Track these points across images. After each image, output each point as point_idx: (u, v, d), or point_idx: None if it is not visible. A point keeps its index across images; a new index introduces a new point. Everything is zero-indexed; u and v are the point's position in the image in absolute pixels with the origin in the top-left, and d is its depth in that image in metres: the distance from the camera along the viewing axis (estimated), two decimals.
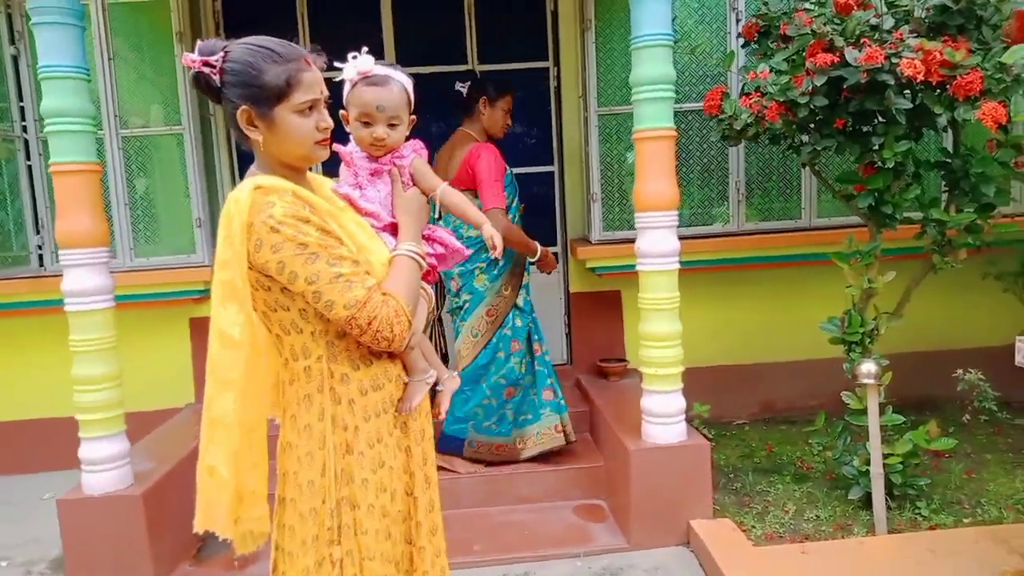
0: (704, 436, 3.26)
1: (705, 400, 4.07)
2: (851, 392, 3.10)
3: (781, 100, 2.48)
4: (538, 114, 4.60)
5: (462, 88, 3.52)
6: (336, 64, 1.64)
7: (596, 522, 3.37)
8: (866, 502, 3.04)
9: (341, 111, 1.68)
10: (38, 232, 4.24)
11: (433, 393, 1.80)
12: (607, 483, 3.50)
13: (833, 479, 3.43)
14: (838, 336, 3.13)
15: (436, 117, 4.22)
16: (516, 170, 4.61)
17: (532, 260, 3.56)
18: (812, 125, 2.63)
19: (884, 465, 2.95)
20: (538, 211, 4.64)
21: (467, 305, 3.52)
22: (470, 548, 3.19)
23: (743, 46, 2.92)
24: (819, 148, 2.63)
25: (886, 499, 3.03)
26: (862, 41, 2.31)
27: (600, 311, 4.28)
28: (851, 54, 2.29)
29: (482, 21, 4.46)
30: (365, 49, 1.63)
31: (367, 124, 1.65)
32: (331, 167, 1.78)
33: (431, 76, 4.32)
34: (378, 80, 1.63)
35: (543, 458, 3.61)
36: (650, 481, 3.07)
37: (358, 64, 1.62)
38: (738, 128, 2.72)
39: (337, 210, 1.59)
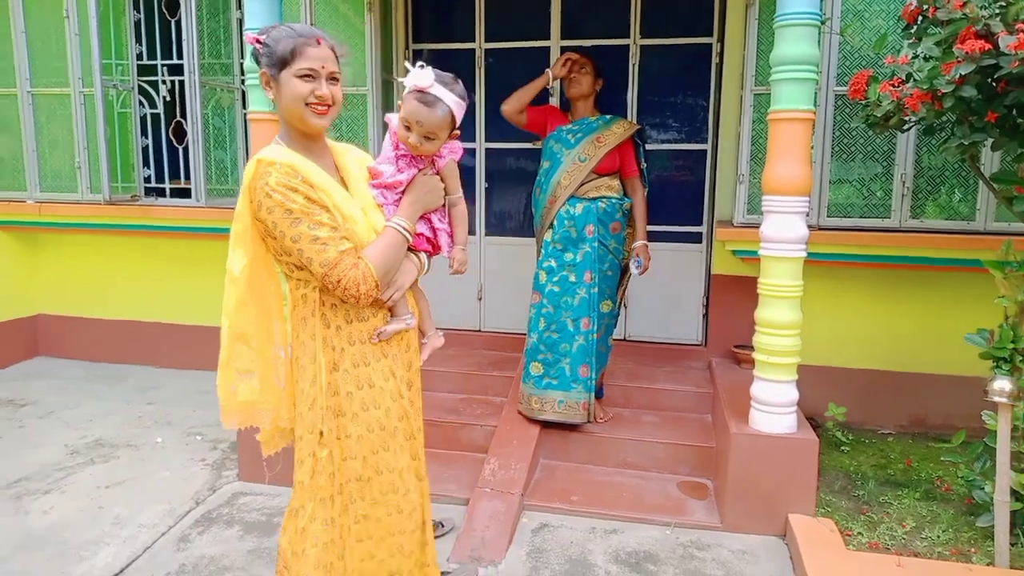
0: (816, 431, 3.16)
1: (849, 404, 3.90)
2: (992, 412, 2.86)
3: (925, 88, 2.32)
4: (698, 91, 4.55)
5: None
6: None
7: (697, 499, 3.41)
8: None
9: (398, 104, 1.88)
10: None
11: None
12: (715, 464, 3.52)
13: (971, 504, 3.18)
14: (986, 351, 2.89)
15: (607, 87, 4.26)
16: (669, 147, 4.63)
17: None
18: (964, 117, 2.42)
19: (1017, 494, 2.71)
20: (687, 188, 4.63)
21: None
22: (568, 497, 3.39)
23: (903, 30, 2.73)
24: (966, 143, 2.41)
25: (1019, 532, 2.79)
26: (1017, 26, 2.10)
27: (740, 296, 4.18)
28: (1004, 40, 2.09)
29: None
30: (428, 68, 1.77)
31: (408, 128, 1.83)
32: None
33: (595, 48, 4.43)
34: (428, 100, 1.77)
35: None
36: (750, 467, 3.06)
37: (415, 80, 1.78)
38: (879, 115, 2.57)
39: (343, 181, 1.85)
